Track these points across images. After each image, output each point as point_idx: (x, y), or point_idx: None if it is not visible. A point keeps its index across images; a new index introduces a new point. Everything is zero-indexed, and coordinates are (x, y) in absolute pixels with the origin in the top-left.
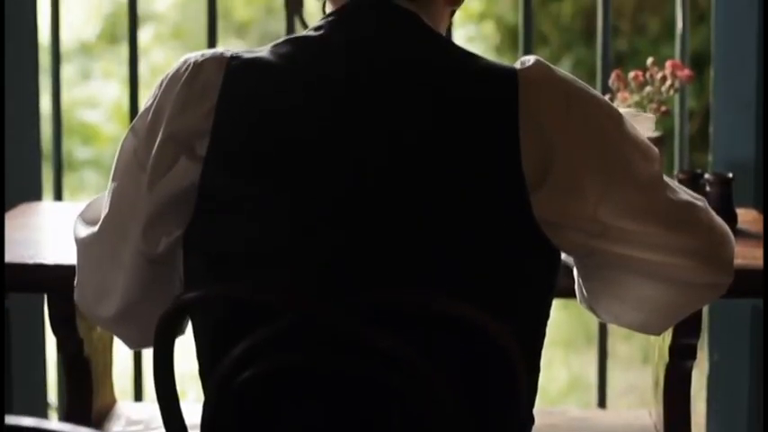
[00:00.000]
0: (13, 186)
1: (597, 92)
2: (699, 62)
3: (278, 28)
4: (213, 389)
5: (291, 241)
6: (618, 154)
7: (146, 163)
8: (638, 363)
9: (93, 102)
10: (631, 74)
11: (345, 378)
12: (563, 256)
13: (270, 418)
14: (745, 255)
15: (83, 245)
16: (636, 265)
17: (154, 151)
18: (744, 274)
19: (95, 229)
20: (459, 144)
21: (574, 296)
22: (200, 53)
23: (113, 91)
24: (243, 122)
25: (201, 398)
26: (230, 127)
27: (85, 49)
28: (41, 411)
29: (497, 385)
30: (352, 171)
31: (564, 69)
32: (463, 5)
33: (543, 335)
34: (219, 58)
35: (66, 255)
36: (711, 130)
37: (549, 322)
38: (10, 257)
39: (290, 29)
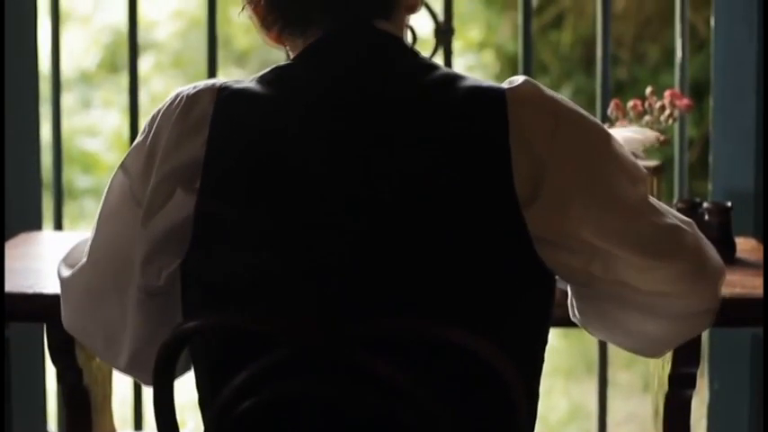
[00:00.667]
0: (14, 215)
1: (586, 112)
2: (698, 90)
3: (278, 57)
4: (213, 419)
5: (288, 269)
6: (603, 174)
7: (142, 199)
8: (639, 391)
9: (93, 130)
10: (630, 103)
11: (345, 407)
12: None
13: None
14: (745, 284)
15: (74, 281)
16: (627, 296)
17: (151, 187)
18: (743, 303)
19: (84, 264)
20: (451, 166)
21: (573, 325)
22: (191, 86)
23: (113, 120)
24: (235, 152)
25: (201, 428)
26: (223, 157)
27: (86, 78)
28: None
29: (496, 412)
30: (345, 198)
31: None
32: (463, 35)
33: (542, 360)
34: (211, 90)
35: None
36: (711, 159)
37: (549, 351)
38: (10, 287)
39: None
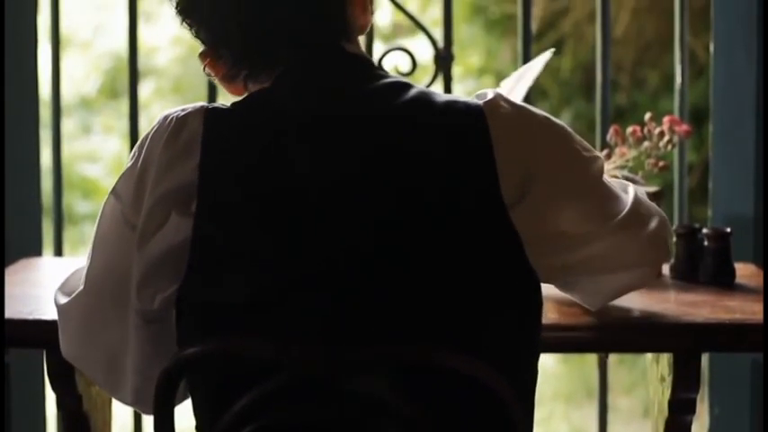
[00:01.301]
0: (14, 241)
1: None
2: (698, 115)
3: None
4: None
5: (285, 291)
6: (575, 166)
7: (135, 223)
8: (639, 417)
9: (93, 156)
10: (630, 129)
11: None
12: None
13: None
14: (745, 309)
15: (71, 308)
16: (596, 266)
17: (145, 210)
18: (743, 329)
19: (81, 291)
20: (439, 180)
21: (574, 350)
22: (179, 109)
23: (114, 145)
24: (230, 176)
25: None
26: (218, 181)
27: (86, 104)
28: None
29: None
30: (340, 218)
31: (564, 123)
32: (463, 60)
33: (536, 372)
34: (199, 111)
35: None
36: (710, 184)
37: (549, 376)
38: (10, 313)
39: None
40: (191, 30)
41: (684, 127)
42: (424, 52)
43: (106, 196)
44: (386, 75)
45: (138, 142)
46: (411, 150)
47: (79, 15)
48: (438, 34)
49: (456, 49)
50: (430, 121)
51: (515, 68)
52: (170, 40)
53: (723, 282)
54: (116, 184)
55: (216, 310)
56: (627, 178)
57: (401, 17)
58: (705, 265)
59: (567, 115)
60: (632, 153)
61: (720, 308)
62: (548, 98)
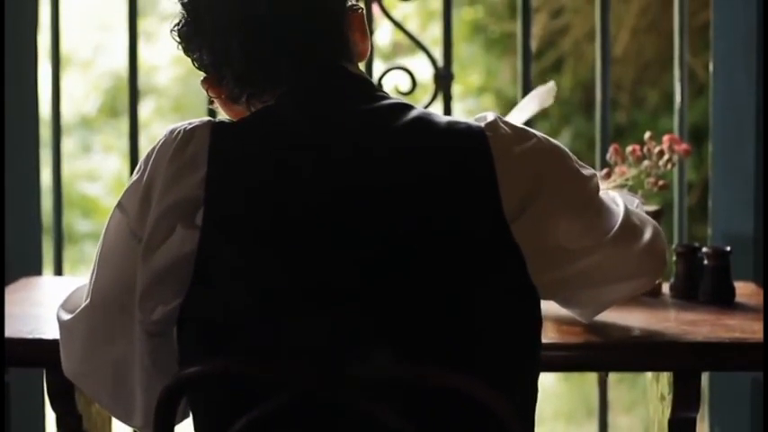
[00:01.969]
0: (14, 260)
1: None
2: (698, 134)
3: None
4: None
5: (288, 309)
6: (572, 185)
7: (141, 235)
8: None
9: (93, 175)
10: (629, 148)
11: None
12: None
13: None
14: (744, 328)
15: (76, 324)
16: (595, 277)
17: (151, 222)
18: (743, 348)
19: (86, 306)
20: (443, 200)
21: (574, 369)
22: (186, 123)
23: (114, 164)
24: (236, 191)
25: None
26: (224, 196)
27: (86, 123)
28: None
29: None
30: (342, 238)
31: (563, 141)
32: (463, 79)
33: (536, 389)
34: (206, 125)
35: None
36: (710, 203)
37: (550, 395)
38: (10, 332)
39: None
40: (192, 55)
41: (684, 146)
42: (424, 71)
43: (111, 211)
44: (387, 96)
45: (144, 156)
46: (414, 170)
47: (79, 35)
48: (438, 53)
49: (456, 68)
50: (432, 141)
51: (515, 87)
52: (170, 60)
53: (723, 300)
54: (121, 197)
55: (218, 324)
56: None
57: (401, 36)
58: (705, 284)
59: (566, 134)
60: (632, 172)
61: (720, 327)
62: (548, 117)
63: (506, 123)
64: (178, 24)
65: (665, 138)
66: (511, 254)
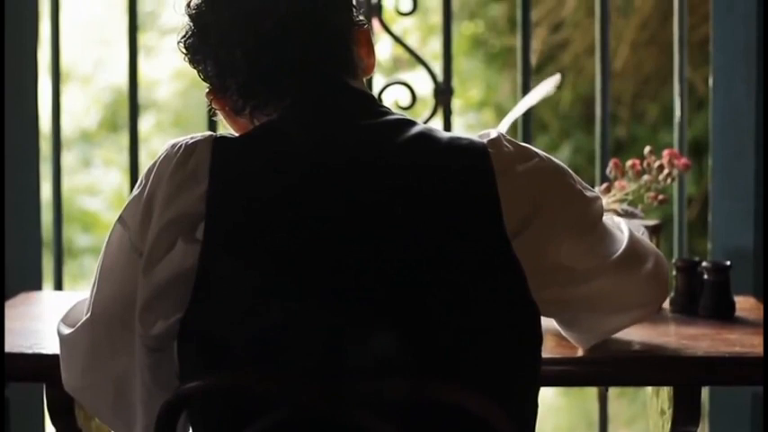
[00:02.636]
0: (14, 275)
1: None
2: (698, 148)
3: None
4: None
5: (289, 325)
6: (575, 205)
7: (142, 249)
8: None
9: (93, 189)
10: (629, 162)
11: None
12: None
13: None
14: (744, 342)
15: (77, 338)
16: (594, 301)
17: (152, 236)
18: (743, 362)
19: (87, 320)
20: (444, 216)
21: (575, 383)
22: (188, 137)
23: (114, 179)
24: (238, 206)
25: None
26: (226, 211)
27: (86, 137)
28: None
29: None
30: (343, 254)
31: (563, 156)
32: (463, 94)
33: (535, 408)
34: (208, 140)
35: None
36: (710, 217)
37: (550, 409)
38: (9, 347)
39: None
40: (197, 67)
41: (684, 161)
42: (424, 86)
43: (112, 225)
44: (390, 111)
45: (146, 170)
46: (415, 186)
47: (80, 49)
48: (438, 68)
49: (456, 83)
50: (434, 158)
51: (515, 102)
52: (171, 75)
53: (723, 315)
54: (123, 211)
55: (219, 339)
56: (626, 212)
57: (401, 51)
58: (705, 299)
59: (566, 148)
60: (632, 186)
61: (720, 341)
62: (547, 131)
63: (510, 141)
64: (184, 36)
65: (665, 152)
66: (512, 270)
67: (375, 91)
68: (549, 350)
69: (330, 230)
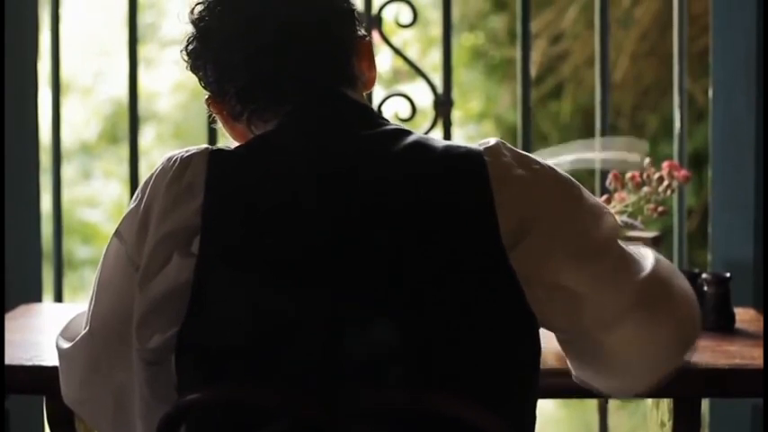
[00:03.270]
0: (14, 287)
1: (551, 164)
2: (698, 159)
3: None
4: None
5: (286, 337)
6: (578, 221)
7: (139, 262)
8: None
9: (93, 201)
10: (628, 174)
11: None
12: None
13: None
14: (744, 354)
15: (76, 352)
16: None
17: (148, 249)
18: (743, 374)
19: (86, 333)
20: (440, 226)
21: (573, 396)
22: (183, 150)
23: (114, 190)
24: (234, 219)
25: None
26: (221, 224)
27: (86, 149)
28: None
29: None
30: (340, 266)
31: (563, 167)
32: (463, 105)
33: (534, 419)
34: (204, 153)
35: None
36: (710, 229)
37: (550, 420)
38: (9, 359)
39: None
40: (198, 73)
41: (683, 172)
42: (424, 98)
43: (109, 238)
44: (387, 122)
45: (142, 183)
46: (411, 196)
47: (80, 61)
48: (438, 80)
49: (456, 94)
50: (429, 166)
51: (515, 113)
52: (171, 87)
53: (723, 327)
54: (119, 225)
55: (216, 352)
56: (626, 224)
57: (401, 63)
58: (705, 311)
59: None
60: (631, 198)
61: (720, 353)
62: (547, 142)
63: (510, 149)
64: (187, 42)
65: (665, 164)
66: (508, 281)
67: (375, 103)
68: (549, 362)
69: (326, 242)
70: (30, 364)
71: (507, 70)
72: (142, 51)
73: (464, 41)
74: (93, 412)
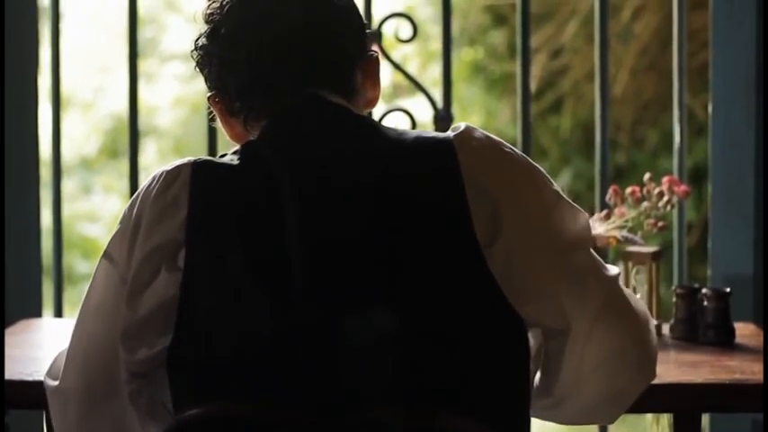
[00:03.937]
0: (14, 302)
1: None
2: (698, 174)
3: None
4: None
5: (275, 349)
6: (551, 211)
7: (126, 276)
8: None
9: (93, 216)
10: (629, 189)
11: None
12: None
13: None
14: (744, 369)
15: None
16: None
17: (134, 265)
18: (743, 389)
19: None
20: (412, 219)
21: None
22: (169, 165)
23: (114, 205)
24: (217, 231)
25: None
26: (205, 236)
27: (86, 164)
28: None
29: None
30: (327, 275)
31: (563, 182)
32: (463, 120)
33: (528, 425)
34: (188, 165)
35: None
36: (710, 244)
37: None
38: (9, 374)
39: None
40: (203, 69)
41: (683, 187)
42: (424, 112)
43: (98, 261)
44: (363, 120)
45: (129, 203)
46: (385, 192)
47: (80, 76)
48: (438, 94)
49: (456, 109)
50: (401, 159)
51: (515, 127)
52: (171, 101)
53: (723, 341)
54: (108, 247)
55: (207, 368)
56: (626, 239)
57: (401, 78)
58: (705, 325)
59: (566, 174)
60: (631, 213)
61: (720, 368)
62: (547, 157)
63: (480, 132)
64: (197, 40)
65: (665, 179)
66: (486, 280)
67: (375, 117)
68: None
69: (311, 251)
70: (30, 379)
71: (507, 85)
72: (142, 66)
73: (464, 56)
74: None
